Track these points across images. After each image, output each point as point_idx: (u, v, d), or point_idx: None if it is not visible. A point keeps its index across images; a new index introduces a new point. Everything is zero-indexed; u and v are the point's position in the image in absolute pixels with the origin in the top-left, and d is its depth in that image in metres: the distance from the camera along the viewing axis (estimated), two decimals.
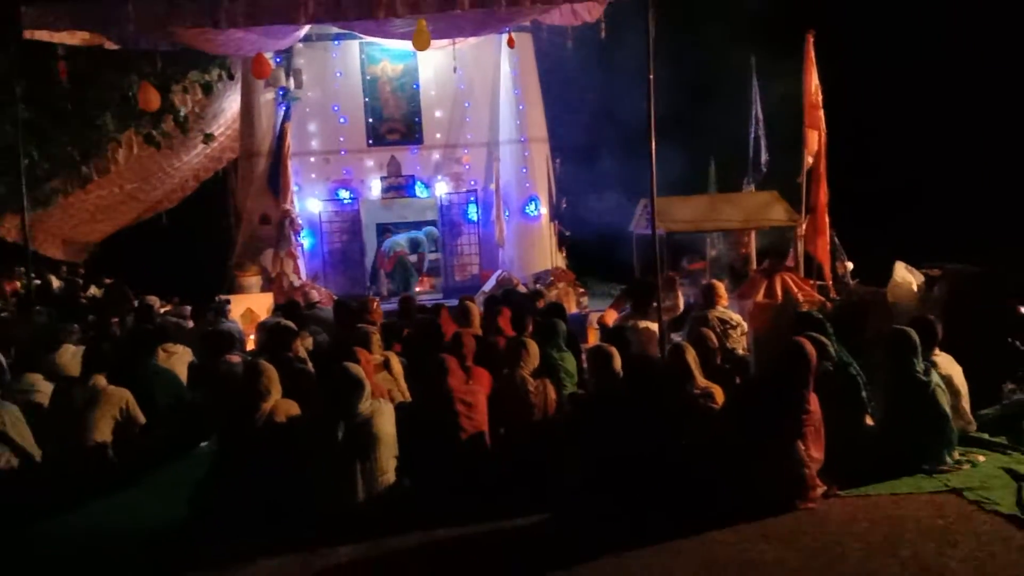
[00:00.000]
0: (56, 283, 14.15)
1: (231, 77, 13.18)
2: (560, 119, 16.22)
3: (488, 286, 13.45)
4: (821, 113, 9.70)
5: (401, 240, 15.13)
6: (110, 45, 9.16)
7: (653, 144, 7.28)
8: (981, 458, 5.47)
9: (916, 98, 17.35)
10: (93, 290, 13.86)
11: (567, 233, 15.54)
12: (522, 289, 12.10)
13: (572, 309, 11.81)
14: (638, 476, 4.89)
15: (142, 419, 5.95)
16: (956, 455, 5.41)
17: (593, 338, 10.72)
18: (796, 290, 8.39)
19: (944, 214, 15.38)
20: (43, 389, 6.04)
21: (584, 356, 7.23)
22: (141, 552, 4.69)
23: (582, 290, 13.29)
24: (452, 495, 5.09)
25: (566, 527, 4.74)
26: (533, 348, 5.96)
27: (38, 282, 12.00)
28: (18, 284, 13.37)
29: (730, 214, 10.59)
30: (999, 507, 4.65)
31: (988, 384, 6.21)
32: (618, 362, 5.52)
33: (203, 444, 6.44)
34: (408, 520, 4.81)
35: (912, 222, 14.98)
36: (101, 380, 5.96)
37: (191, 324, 9.37)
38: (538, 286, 12.69)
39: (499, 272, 14.01)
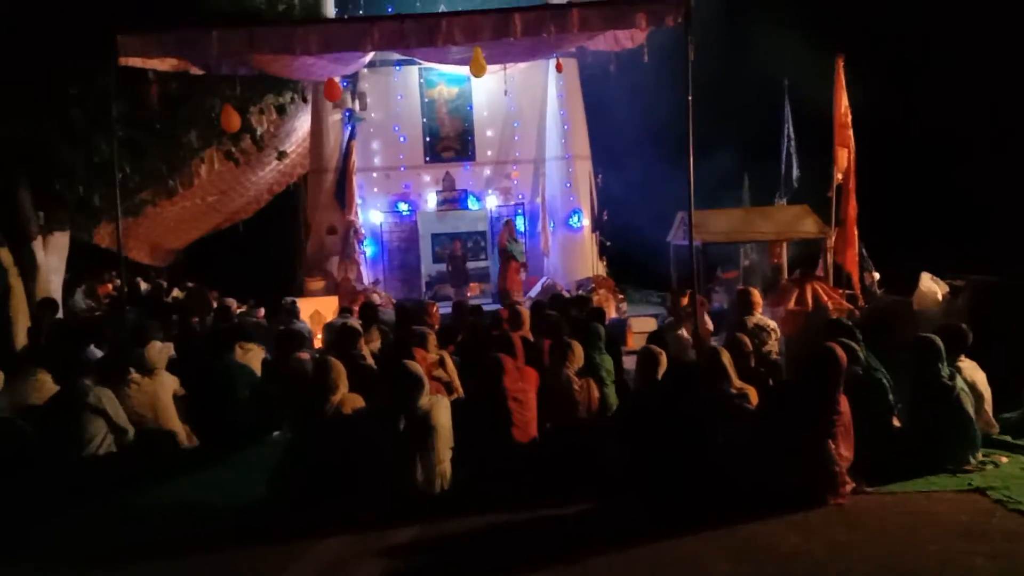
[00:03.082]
0: (144, 286, 14.53)
1: (304, 100, 13.42)
2: (602, 137, 16.22)
3: (534, 291, 13.49)
4: (850, 132, 9.59)
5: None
6: (196, 70, 9.40)
7: (691, 160, 7.25)
8: (1004, 459, 5.34)
9: (939, 115, 16.99)
10: (176, 292, 14.19)
11: (608, 243, 15.53)
12: (565, 295, 12.11)
13: (612, 314, 11.78)
14: (677, 470, 4.87)
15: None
16: (979, 456, 5.28)
17: (632, 342, 10.70)
18: (826, 298, 8.30)
19: (968, 227, 15.03)
20: (135, 379, 6.21)
21: (623, 358, 7.24)
22: (225, 524, 4.82)
23: (621, 296, 13.25)
24: (503, 484, 5.12)
25: (607, 516, 4.74)
26: (579, 349, 5.98)
27: (129, 286, 12.33)
28: (110, 287, 13.74)
29: (763, 226, 10.50)
30: (1021, 506, 4.54)
31: (1010, 389, 6.06)
32: (664, 364, 5.51)
33: (275, 433, 6.58)
34: (462, 506, 4.86)
35: (937, 235, 14.67)
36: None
37: (267, 324, 9.55)
38: (580, 292, 12.69)
39: (544, 279, 14.06)
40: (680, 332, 7.71)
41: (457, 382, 6.44)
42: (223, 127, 10.07)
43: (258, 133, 12.81)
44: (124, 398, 5.93)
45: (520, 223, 15.12)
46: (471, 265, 15.79)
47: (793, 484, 4.67)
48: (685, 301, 8.46)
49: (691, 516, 4.57)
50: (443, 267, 16.00)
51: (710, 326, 8.30)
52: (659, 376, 5.47)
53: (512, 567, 4.15)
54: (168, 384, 6.33)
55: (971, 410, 5.29)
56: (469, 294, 15.11)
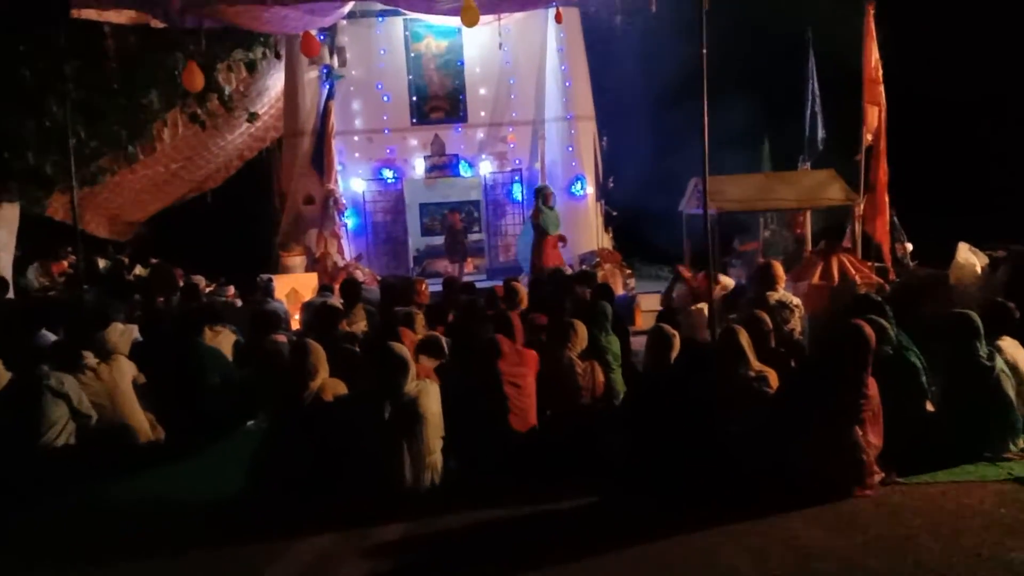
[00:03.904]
0: (102, 263, 14.48)
1: (277, 56, 13.32)
2: (608, 96, 16.12)
3: None
4: (881, 88, 9.54)
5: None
6: (156, 23, 9.32)
7: (705, 120, 7.21)
8: None
9: (982, 70, 16.91)
10: (139, 270, 14.14)
11: (614, 213, 15.48)
12: (568, 270, 12.11)
13: (619, 291, 11.79)
14: (688, 460, 4.89)
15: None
16: (1021, 443, 5.31)
17: (641, 321, 10.72)
18: (853, 272, 8.30)
19: (1011, 193, 14.98)
20: (91, 365, 6.20)
21: (631, 339, 7.25)
22: (196, 522, 4.85)
23: (629, 272, 13.23)
24: (498, 476, 5.16)
25: (612, 510, 4.77)
26: (582, 330, 5.99)
27: (86, 263, 12.30)
28: (65, 264, 13.70)
29: (785, 193, 10.47)
30: None
31: None
32: (677, 345, 5.53)
33: (249, 423, 6.59)
34: (455, 500, 4.89)
35: (977, 201, 14.66)
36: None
37: (238, 304, 9.54)
38: (584, 267, 12.68)
39: None
40: (694, 308, 7.72)
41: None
42: (187, 87, 9.99)
43: (226, 93, 12.74)
44: (79, 386, 5.93)
45: (517, 191, 15.07)
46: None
47: (816, 475, 4.70)
48: (687, 273, 8.46)
49: (704, 510, 4.60)
50: (433, 240, 15.98)
51: (728, 281, 8.31)
52: (672, 359, 5.48)
53: (508, 567, 4.18)
54: (127, 370, 6.33)
55: (1012, 393, 5.31)
56: (467, 270, 15.10)
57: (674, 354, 5.51)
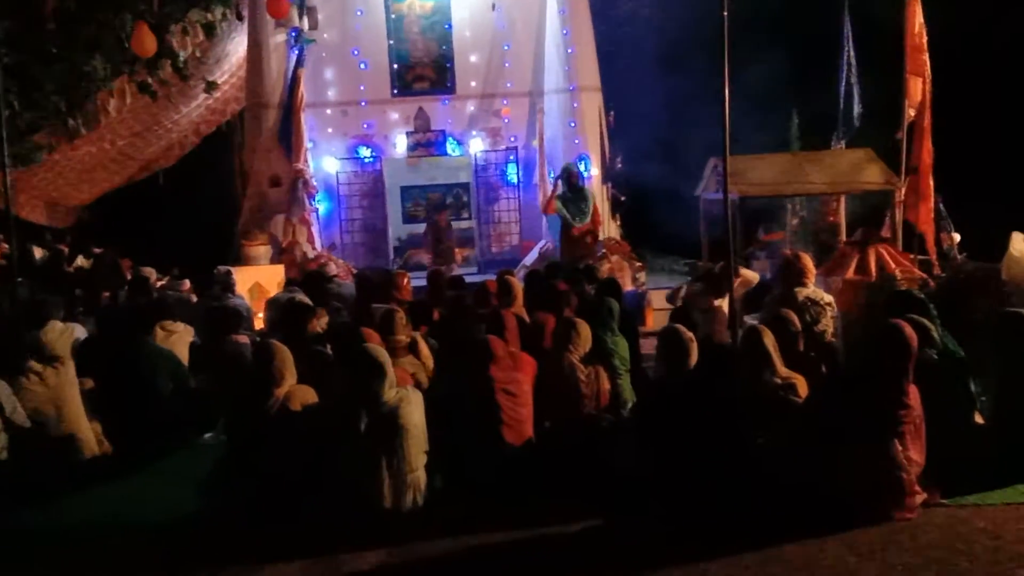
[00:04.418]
0: (39, 252, 14.45)
1: (239, 17, 13.29)
2: (616, 64, 16.12)
3: (530, 259, 13.49)
4: (926, 57, 9.55)
5: None
6: None
7: (726, 92, 7.18)
8: None
9: None
10: (81, 261, 14.12)
11: (622, 198, 15.49)
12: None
13: (627, 286, 11.80)
14: (706, 478, 4.90)
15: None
16: None
17: (652, 320, 10.73)
18: (893, 265, 8.32)
19: None
20: (35, 369, 6.17)
21: (640, 340, 7.25)
22: (147, 547, 4.83)
23: (639, 264, 13.24)
24: (490, 497, 5.16)
25: (620, 536, 4.77)
26: (584, 330, 5.99)
27: (20, 252, 12.26)
28: None
29: (816, 176, 10.49)
30: None
31: None
32: (694, 349, 5.53)
33: (207, 435, 6.59)
34: (440, 523, 4.88)
35: None
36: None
37: (193, 299, 9.53)
38: (589, 260, 12.69)
39: (542, 243, 14.04)
40: (720, 303, 7.72)
41: (430, 369, 6.48)
42: (136, 51, 9.98)
43: (180, 59, 12.72)
44: (20, 393, 5.91)
45: (512, 172, 15.07)
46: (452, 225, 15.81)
47: (851, 495, 4.71)
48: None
49: (725, 535, 4.61)
50: (416, 228, 16.00)
51: (751, 276, 8.30)
52: (689, 363, 5.48)
53: None
54: (74, 375, 6.30)
55: None
56: (456, 263, 15.10)
57: (692, 360, 5.51)
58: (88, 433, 6.22)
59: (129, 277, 10.63)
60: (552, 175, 14.67)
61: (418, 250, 15.61)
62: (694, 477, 4.92)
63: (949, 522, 4.70)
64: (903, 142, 9.75)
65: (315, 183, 14.19)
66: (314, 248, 13.73)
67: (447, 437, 5.32)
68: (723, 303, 7.63)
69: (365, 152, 15.01)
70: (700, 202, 11.53)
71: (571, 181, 12.23)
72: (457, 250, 15.50)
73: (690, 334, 5.70)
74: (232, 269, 10.35)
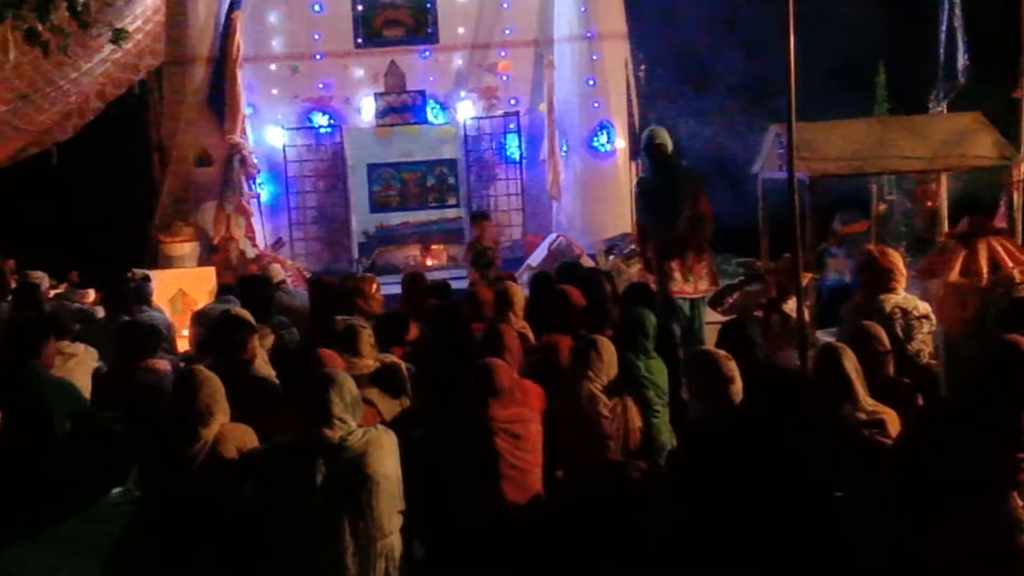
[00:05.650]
0: None
1: None
2: (648, 5, 16.13)
3: (536, 258, 13.50)
4: None
5: None
6: None
7: (791, 41, 7.21)
8: None
9: None
10: None
11: None
12: (588, 263, 12.13)
13: None
14: (768, 544, 4.90)
15: None
16: None
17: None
18: (1011, 264, 8.31)
19: None
20: None
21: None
22: None
23: None
24: (484, 568, 5.16)
25: None
26: (608, 351, 6.00)
27: None
28: None
29: (909, 148, 10.49)
30: None
31: None
32: (737, 379, 5.53)
33: (115, 491, 6.58)
34: None
35: None
36: None
37: (100, 314, 9.54)
38: (611, 259, 12.71)
39: (552, 237, 14.05)
40: (789, 309, 7.75)
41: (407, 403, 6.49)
42: None
43: (79, 1, 12.74)
44: None
45: (512, 145, 15.07)
46: (434, 215, 15.83)
47: (956, 561, 4.71)
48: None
49: None
50: (388, 219, 16.01)
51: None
52: (731, 398, 5.49)
53: None
54: None
55: None
56: (429, 262, 15.11)
57: (736, 388, 5.51)
58: None
59: (13, 285, 10.64)
60: (565, 149, 14.67)
61: (390, 247, 15.62)
62: (751, 543, 4.92)
63: None
64: (1023, 103, 9.76)
65: (255, 161, 14.21)
66: (255, 245, 13.76)
67: (429, 492, 5.32)
68: (789, 310, 7.66)
69: (321, 120, 15.04)
70: (758, 183, 11.52)
71: (658, 154, 9.72)
72: (441, 246, 15.53)
73: (727, 356, 5.69)
74: (148, 274, 10.38)
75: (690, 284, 9.05)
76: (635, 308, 6.91)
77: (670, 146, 9.69)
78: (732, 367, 5.62)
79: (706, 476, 5.20)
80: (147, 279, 10.04)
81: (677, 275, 9.01)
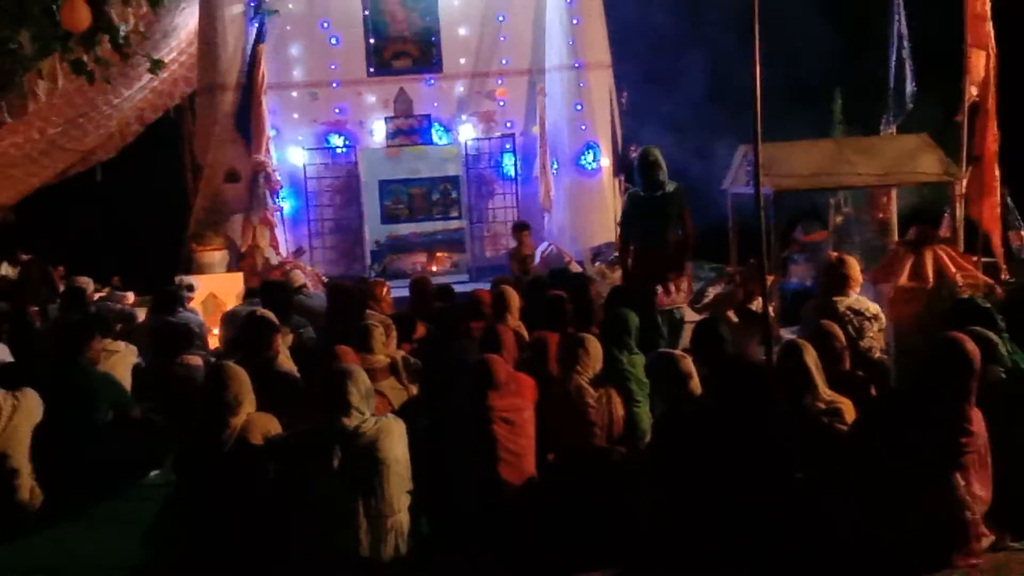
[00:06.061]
0: None
1: None
2: (629, 37, 16.13)
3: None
4: (990, 26, 9.55)
5: None
6: None
7: (758, 69, 7.20)
8: None
9: None
10: (6, 269, 14.13)
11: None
12: (576, 268, 12.13)
13: None
14: (736, 523, 4.89)
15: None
16: None
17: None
18: (954, 269, 8.32)
19: None
20: None
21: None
22: None
23: None
24: (485, 544, 5.15)
25: None
26: (594, 347, 6.01)
27: None
28: None
29: (863, 166, 10.48)
30: None
31: None
32: (693, 374, 5.55)
33: (153, 473, 6.59)
34: (426, 574, 4.89)
35: None
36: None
37: (140, 315, 9.54)
38: (597, 264, 12.70)
39: (544, 246, 14.05)
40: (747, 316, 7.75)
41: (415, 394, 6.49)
42: (68, 26, 9.99)
43: (121, 34, 12.72)
44: None
45: (508, 164, 15.08)
46: (439, 226, 15.83)
47: (905, 538, 4.70)
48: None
49: None
50: (397, 229, 16.01)
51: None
52: (691, 392, 5.51)
53: None
54: (36, 410, 6.16)
55: None
56: (434, 268, 15.11)
57: (693, 383, 5.54)
58: (27, 474, 6.14)
59: (61, 288, 10.63)
60: (555, 167, 14.68)
61: (399, 255, 15.64)
62: (721, 522, 4.91)
63: (1022, 568, 4.69)
64: (964, 126, 9.75)
65: (279, 177, 14.18)
66: (278, 253, 13.73)
67: (434, 474, 5.32)
68: (757, 308, 7.67)
69: (337, 141, 15.02)
70: (728, 197, 11.52)
71: (651, 172, 9.25)
72: (445, 254, 15.53)
73: (682, 355, 5.74)
74: (191, 281, 10.37)
75: (669, 297, 9.02)
76: (618, 309, 6.91)
77: (664, 165, 9.31)
78: (688, 364, 5.66)
79: (678, 463, 5.20)
80: (191, 288, 10.05)
81: (659, 288, 8.96)
